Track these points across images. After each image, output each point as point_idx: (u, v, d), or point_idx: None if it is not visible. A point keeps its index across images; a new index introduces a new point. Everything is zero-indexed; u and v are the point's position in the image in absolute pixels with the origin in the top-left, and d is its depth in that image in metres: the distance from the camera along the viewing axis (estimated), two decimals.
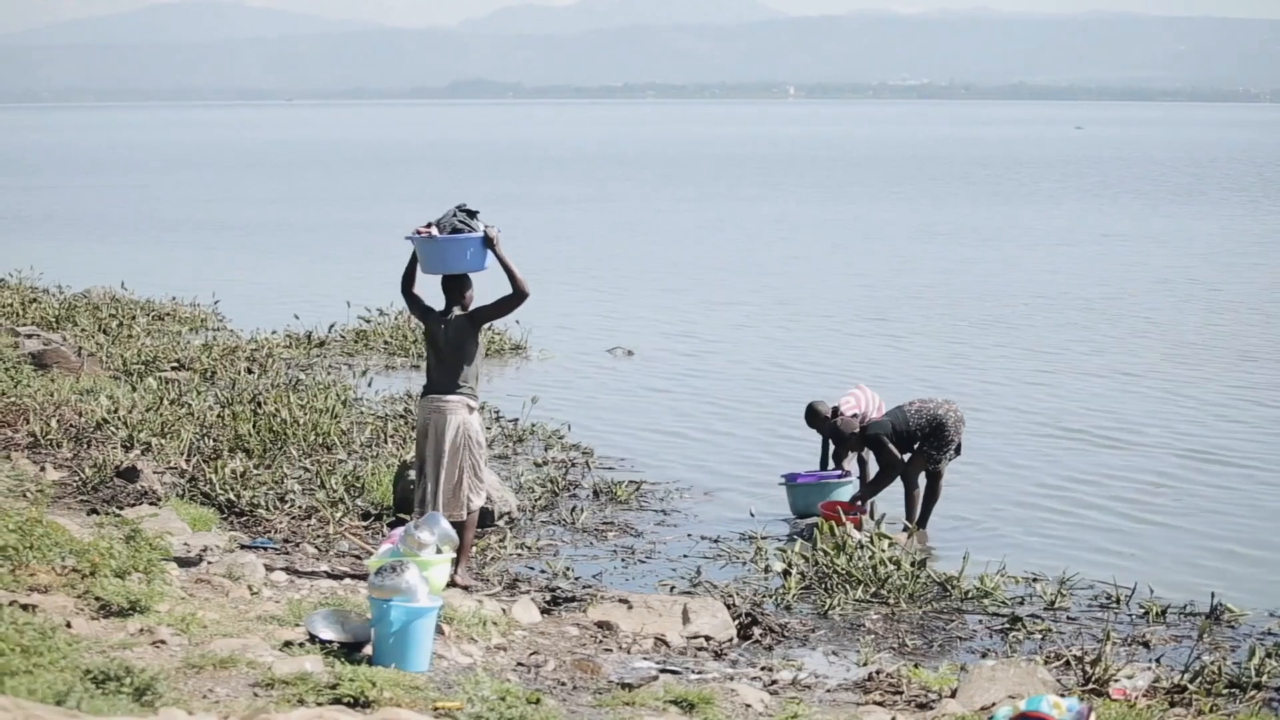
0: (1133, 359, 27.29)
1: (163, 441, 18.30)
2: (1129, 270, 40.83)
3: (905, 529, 16.41)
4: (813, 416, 17.75)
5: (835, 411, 17.56)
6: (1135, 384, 25.09)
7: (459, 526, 13.09)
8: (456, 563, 13.22)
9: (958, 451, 16.96)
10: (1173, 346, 28.54)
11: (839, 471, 17.64)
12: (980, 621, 13.75)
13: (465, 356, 13.25)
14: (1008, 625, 13.54)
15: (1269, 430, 21.97)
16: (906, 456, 16.85)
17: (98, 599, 10.85)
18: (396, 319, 28.17)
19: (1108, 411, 22.87)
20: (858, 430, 17.11)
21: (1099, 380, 25.36)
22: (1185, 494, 18.48)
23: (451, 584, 12.92)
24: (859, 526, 15.96)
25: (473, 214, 13.33)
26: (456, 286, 13.38)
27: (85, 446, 18.15)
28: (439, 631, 11.08)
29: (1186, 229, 53.35)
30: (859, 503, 16.93)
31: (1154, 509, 17.81)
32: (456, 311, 13.31)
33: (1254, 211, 61.16)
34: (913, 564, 14.61)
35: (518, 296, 13.23)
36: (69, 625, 10.27)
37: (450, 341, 13.26)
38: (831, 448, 17.83)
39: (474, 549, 14.50)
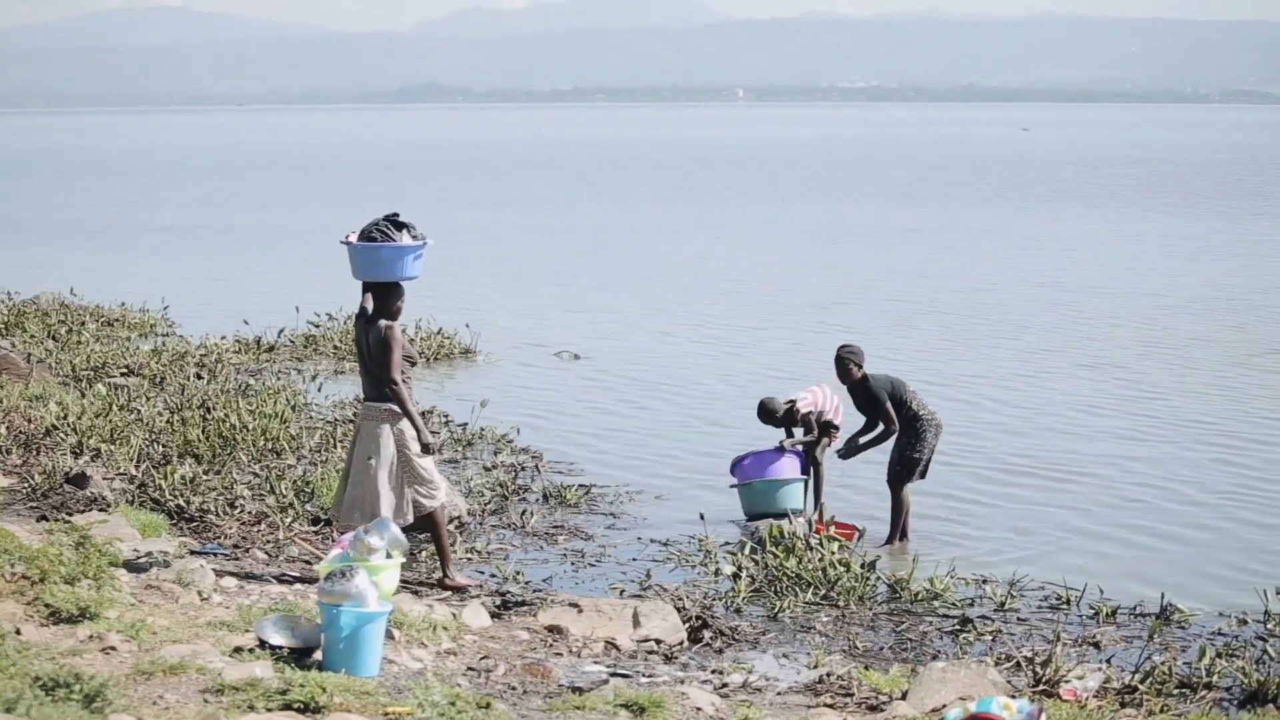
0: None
1: (112, 448, 18.20)
2: (1007, 274, 41.12)
3: (887, 540, 16.43)
4: (765, 413, 17.64)
5: (791, 405, 17.48)
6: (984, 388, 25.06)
7: (429, 527, 13.48)
8: (443, 566, 13.69)
9: (923, 474, 16.86)
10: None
11: (776, 448, 17.41)
12: (930, 623, 13.79)
13: (385, 365, 13.18)
14: (958, 627, 13.57)
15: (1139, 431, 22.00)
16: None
17: (47, 606, 10.80)
18: (346, 323, 28.08)
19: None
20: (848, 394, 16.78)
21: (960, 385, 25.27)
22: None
23: (443, 585, 13.48)
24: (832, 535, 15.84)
25: (401, 225, 13.23)
26: (379, 295, 13.22)
27: (34, 453, 18.04)
28: (389, 636, 11.07)
29: (1091, 232, 53.69)
30: (846, 456, 16.86)
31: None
32: (383, 323, 13.24)
33: (1158, 215, 61.20)
34: (862, 566, 14.65)
35: (383, 384, 13.21)
36: (18, 632, 10.24)
37: (370, 350, 13.23)
38: (791, 437, 17.67)
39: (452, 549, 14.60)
